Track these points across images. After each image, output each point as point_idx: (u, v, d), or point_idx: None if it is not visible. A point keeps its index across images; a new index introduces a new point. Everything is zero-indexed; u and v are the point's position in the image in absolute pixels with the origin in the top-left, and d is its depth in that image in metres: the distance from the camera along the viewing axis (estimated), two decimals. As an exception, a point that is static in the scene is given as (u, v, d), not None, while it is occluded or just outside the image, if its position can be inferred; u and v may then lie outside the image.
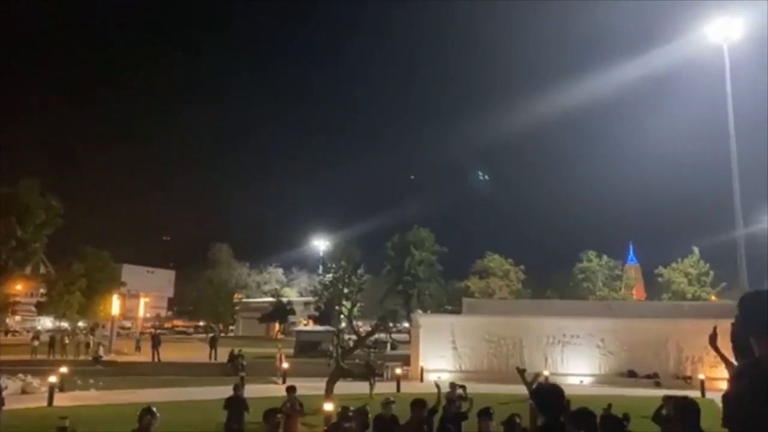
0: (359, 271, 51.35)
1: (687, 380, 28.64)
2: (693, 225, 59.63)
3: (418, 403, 7.22)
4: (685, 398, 4.53)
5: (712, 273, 50.31)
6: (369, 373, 22.16)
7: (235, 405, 12.35)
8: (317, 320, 56.36)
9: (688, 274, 50.29)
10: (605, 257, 54.98)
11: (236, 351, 31.87)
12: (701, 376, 26.16)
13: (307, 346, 36.48)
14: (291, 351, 38.05)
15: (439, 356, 30.61)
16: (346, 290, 58.69)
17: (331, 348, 36.82)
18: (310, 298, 64.82)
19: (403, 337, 56.09)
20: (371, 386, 21.62)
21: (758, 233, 49.74)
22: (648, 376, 29.00)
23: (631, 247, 67.67)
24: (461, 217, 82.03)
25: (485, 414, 7.21)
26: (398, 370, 26.18)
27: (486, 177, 67.04)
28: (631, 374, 29.66)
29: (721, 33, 41.57)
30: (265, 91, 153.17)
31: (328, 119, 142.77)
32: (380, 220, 62.78)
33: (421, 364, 30.07)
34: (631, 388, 26.92)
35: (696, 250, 50.79)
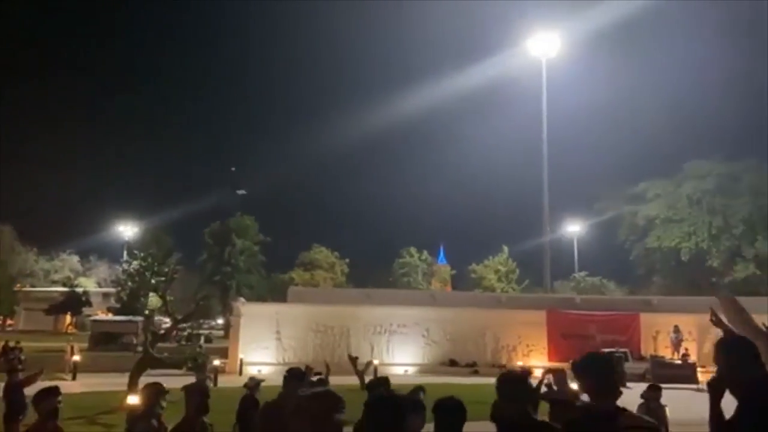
0: (170, 259, 46.51)
1: (502, 368, 29.81)
2: (505, 228, 64.45)
3: (294, 374, 5.31)
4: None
5: (518, 271, 54.56)
6: (197, 369, 18.76)
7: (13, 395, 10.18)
8: (118, 313, 50.31)
9: (498, 271, 53.96)
10: (425, 253, 56.95)
11: (11, 344, 26.47)
12: (520, 364, 27.26)
13: (105, 338, 31.74)
14: (86, 345, 32.92)
15: (261, 348, 28.33)
16: (154, 280, 53.18)
17: (135, 340, 32.60)
18: (111, 289, 57.96)
19: (218, 333, 52.51)
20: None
21: (559, 237, 54.85)
22: (468, 365, 29.65)
23: (442, 248, 71.46)
24: (288, 208, 79.30)
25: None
26: (216, 362, 23.45)
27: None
28: (452, 363, 30.13)
29: (540, 48, 44.93)
30: (68, 61, 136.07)
31: (141, 94, 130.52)
32: (199, 206, 58.10)
33: (240, 356, 27.53)
34: (453, 376, 27.23)
35: (506, 249, 54.76)
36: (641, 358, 28.03)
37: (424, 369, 28.93)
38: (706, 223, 51.96)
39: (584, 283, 59.44)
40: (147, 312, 24.77)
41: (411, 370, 28.73)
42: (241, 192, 70.08)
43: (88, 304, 57.25)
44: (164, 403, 5.64)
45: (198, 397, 4.73)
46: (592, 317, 30.50)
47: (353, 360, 21.12)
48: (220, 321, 61.01)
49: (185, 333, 40.20)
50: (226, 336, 50.19)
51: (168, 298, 31.23)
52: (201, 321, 52.35)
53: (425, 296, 37.01)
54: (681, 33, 69.21)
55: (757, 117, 64.29)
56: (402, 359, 29.11)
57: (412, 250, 57.07)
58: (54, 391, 4.89)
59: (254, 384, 7.81)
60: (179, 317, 17.90)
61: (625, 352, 27.27)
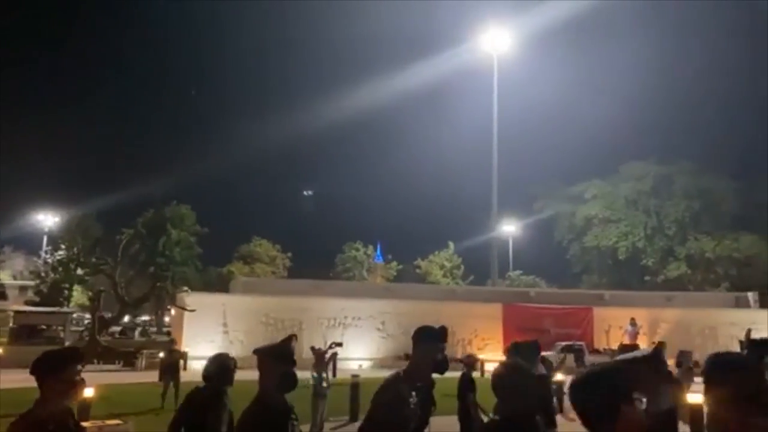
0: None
1: (458, 362, 29.26)
2: (450, 224, 63.97)
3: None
4: None
5: (463, 267, 54.67)
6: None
7: None
8: (38, 306, 46.32)
9: (443, 267, 53.79)
10: (371, 248, 56.10)
11: None
12: (481, 356, 26.70)
13: (28, 332, 28.72)
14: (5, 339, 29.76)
15: (207, 341, 26.36)
16: (80, 272, 49.48)
17: (62, 334, 29.77)
18: (29, 282, 53.59)
19: (150, 329, 49.42)
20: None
21: (500, 235, 54.95)
22: (423, 359, 28.86)
23: (379, 245, 70.73)
24: (228, 199, 75.21)
25: None
26: (162, 354, 21.41)
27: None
28: (407, 357, 29.17)
29: (491, 43, 44.86)
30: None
31: (65, 71, 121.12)
32: (131, 193, 53.92)
33: (185, 349, 25.49)
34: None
35: (451, 244, 54.65)
36: (595, 351, 28.16)
37: (380, 363, 27.91)
38: (641, 223, 53.78)
39: (518, 281, 60.14)
40: (92, 296, 22.41)
41: (366, 364, 27.63)
42: (307, 193, 66.24)
43: (4, 297, 52.65)
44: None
45: (282, 364, 3.44)
46: (547, 311, 30.43)
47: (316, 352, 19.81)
48: (146, 317, 57.40)
49: (130, 324, 37.44)
50: (159, 331, 47.30)
51: (117, 280, 28.82)
52: (131, 316, 49.19)
53: (380, 288, 35.95)
54: (629, 33, 71.06)
55: (692, 120, 67.01)
56: (357, 353, 27.94)
57: (358, 244, 55.97)
58: (75, 355, 3.38)
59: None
60: (129, 302, 15.97)
61: (581, 346, 27.31)
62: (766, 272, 48.12)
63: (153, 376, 20.36)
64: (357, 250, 55.66)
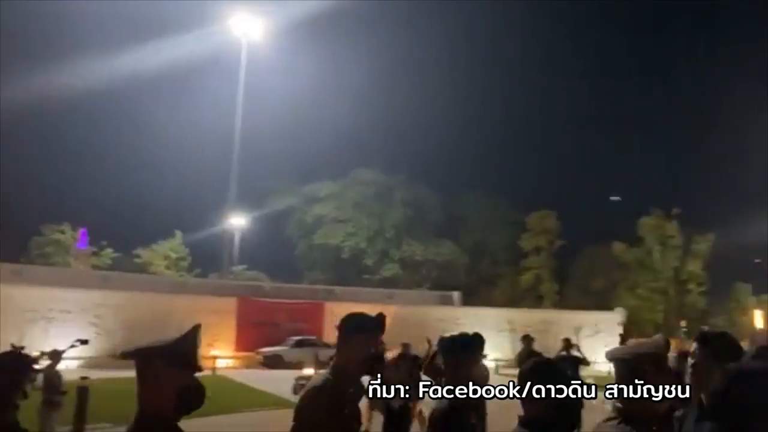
0: None
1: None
2: (179, 214, 58.65)
3: None
4: None
5: (190, 258, 51.40)
6: None
7: None
8: None
9: (168, 257, 49.83)
10: (79, 230, 48.96)
11: None
12: (213, 352, 25.20)
13: None
14: None
15: None
16: None
17: None
18: None
19: None
20: None
21: (229, 229, 53.20)
22: (144, 357, 26.12)
23: (84, 231, 62.71)
24: None
25: None
26: None
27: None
28: (125, 357, 26.10)
29: (241, 28, 43.42)
30: None
31: None
32: None
33: None
34: (129, 370, 23.45)
35: (178, 234, 50.86)
36: (326, 345, 28.92)
37: (94, 363, 24.28)
38: (365, 226, 57.78)
39: (242, 275, 59.23)
40: None
41: (74, 364, 23.76)
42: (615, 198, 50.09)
43: None
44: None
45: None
46: (280, 305, 30.23)
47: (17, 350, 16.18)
48: None
49: None
50: None
51: None
52: None
53: (96, 277, 31.37)
54: (375, 34, 73.58)
55: (408, 130, 73.21)
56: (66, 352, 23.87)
57: (64, 227, 48.31)
58: None
59: None
60: None
61: (315, 340, 27.77)
62: (461, 275, 56.18)
63: None
64: (62, 233, 48.13)
